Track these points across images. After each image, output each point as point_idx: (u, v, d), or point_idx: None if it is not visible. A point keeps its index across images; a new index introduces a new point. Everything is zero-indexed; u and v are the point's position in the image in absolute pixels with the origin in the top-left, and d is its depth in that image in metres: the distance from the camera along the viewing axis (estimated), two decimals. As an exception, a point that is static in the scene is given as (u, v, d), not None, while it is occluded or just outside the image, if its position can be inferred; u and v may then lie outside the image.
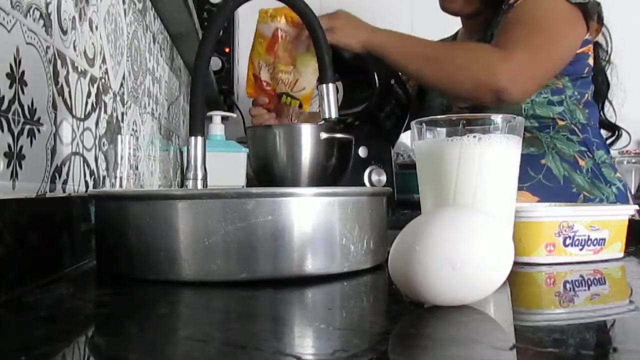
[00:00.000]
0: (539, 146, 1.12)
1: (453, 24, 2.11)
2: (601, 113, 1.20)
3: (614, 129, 1.21)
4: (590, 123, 1.15)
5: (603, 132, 1.20)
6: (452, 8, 1.27)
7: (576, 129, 1.12)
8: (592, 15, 1.06)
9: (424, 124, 0.46)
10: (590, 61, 1.13)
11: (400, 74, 1.33)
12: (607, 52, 1.16)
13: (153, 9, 0.94)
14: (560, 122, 1.12)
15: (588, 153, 1.12)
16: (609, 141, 1.21)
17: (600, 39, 1.14)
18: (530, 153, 1.11)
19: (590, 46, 1.12)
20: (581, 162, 1.11)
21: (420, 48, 1.08)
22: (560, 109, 1.12)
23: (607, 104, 1.20)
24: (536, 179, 1.11)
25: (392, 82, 1.38)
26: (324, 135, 1.22)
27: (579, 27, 1.06)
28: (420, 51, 1.07)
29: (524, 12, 1.08)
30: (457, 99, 1.20)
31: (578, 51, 1.09)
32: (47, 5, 0.45)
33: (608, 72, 1.18)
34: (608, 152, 1.15)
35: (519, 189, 1.06)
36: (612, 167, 1.13)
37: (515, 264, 0.51)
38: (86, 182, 0.55)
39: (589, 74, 1.14)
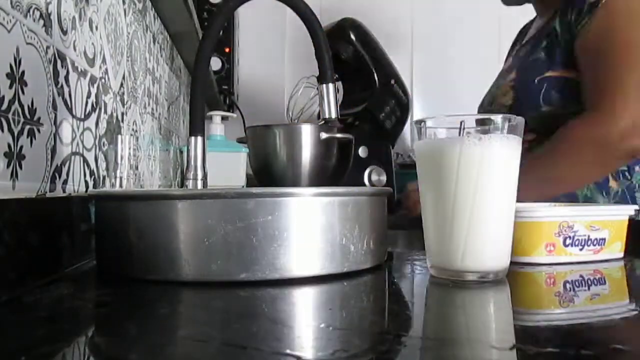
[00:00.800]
0: None
1: (453, 24, 2.11)
2: None
3: None
4: None
5: None
6: None
7: None
8: None
9: (423, 124, 0.46)
10: None
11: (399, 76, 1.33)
12: None
13: (153, 9, 0.94)
14: None
15: (626, 173, 1.02)
16: None
17: None
18: None
19: None
20: (612, 183, 1.02)
21: (545, 177, 1.00)
22: None
23: None
24: (556, 197, 1.02)
25: (392, 82, 1.39)
26: (324, 135, 1.22)
27: None
28: (546, 181, 1.00)
29: (611, 32, 0.97)
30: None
31: None
32: (47, 5, 0.45)
33: None
34: None
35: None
36: None
37: (515, 263, 0.51)
38: (86, 182, 0.55)
39: None
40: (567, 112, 1.01)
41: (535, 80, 1.06)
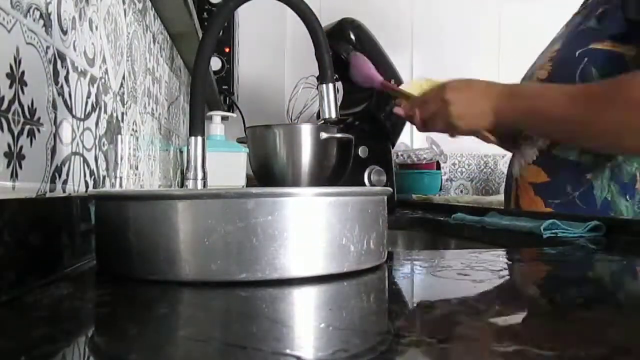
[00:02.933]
0: (595, 155, 0.90)
1: (453, 23, 2.11)
2: None
3: None
4: None
5: None
6: None
7: None
8: None
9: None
10: None
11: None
12: None
13: (153, 9, 0.94)
14: None
15: None
16: None
17: None
18: (579, 163, 0.91)
19: None
20: (639, 185, 0.89)
21: (561, 112, 0.83)
22: None
23: None
24: (569, 197, 0.92)
25: (392, 81, 1.38)
26: (324, 135, 1.22)
27: None
28: (563, 118, 0.83)
29: None
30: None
31: None
32: (47, 5, 0.45)
33: None
34: None
35: (547, 205, 0.94)
36: None
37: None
38: (86, 182, 0.55)
39: None
40: None
41: (577, 54, 0.91)
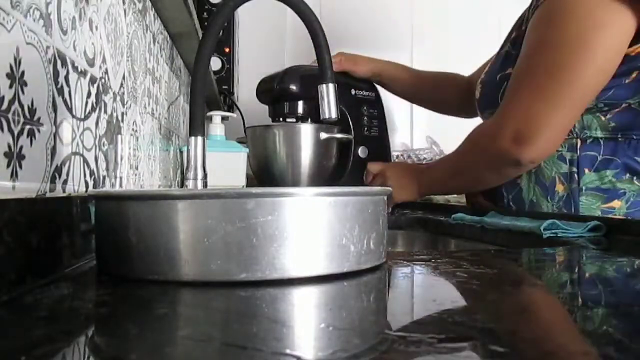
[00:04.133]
0: None
1: (453, 20, 2.11)
2: None
3: None
4: (616, 137, 0.93)
5: None
6: None
7: (578, 143, 0.95)
8: None
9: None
10: None
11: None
12: None
13: (153, 9, 0.94)
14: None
15: (575, 175, 0.95)
16: None
17: None
18: None
19: None
20: (558, 187, 0.97)
21: (450, 171, 1.09)
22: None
23: None
24: (505, 199, 1.04)
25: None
26: (323, 135, 1.22)
27: (619, 22, 0.83)
28: (452, 175, 1.08)
29: (535, 30, 0.92)
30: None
31: (629, 51, 0.86)
32: (47, 5, 0.45)
33: None
34: (623, 174, 0.93)
35: (497, 205, 1.07)
36: (606, 194, 0.94)
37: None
38: (86, 182, 0.56)
39: None
40: None
41: (497, 77, 1.04)
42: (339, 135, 1.26)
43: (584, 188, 0.95)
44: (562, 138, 0.92)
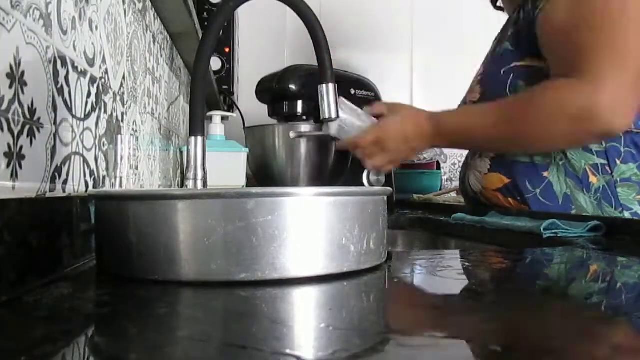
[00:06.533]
0: (545, 155, 0.98)
1: (453, 18, 2.10)
2: None
3: None
4: (631, 131, 0.94)
5: None
6: None
7: None
8: None
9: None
10: None
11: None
12: None
13: (153, 9, 0.94)
14: None
15: (606, 167, 0.95)
16: None
17: None
18: (533, 163, 0.99)
19: None
20: (592, 179, 0.95)
21: (495, 118, 0.95)
22: None
23: None
24: (533, 194, 0.99)
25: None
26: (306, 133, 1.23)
27: None
28: (496, 124, 0.95)
29: (580, 6, 0.88)
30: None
31: None
32: (47, 5, 0.45)
33: None
34: None
35: (521, 202, 1.02)
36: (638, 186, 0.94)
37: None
38: (86, 182, 0.55)
39: None
40: None
41: (502, 72, 1.02)
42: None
43: (618, 180, 0.94)
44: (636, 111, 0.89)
